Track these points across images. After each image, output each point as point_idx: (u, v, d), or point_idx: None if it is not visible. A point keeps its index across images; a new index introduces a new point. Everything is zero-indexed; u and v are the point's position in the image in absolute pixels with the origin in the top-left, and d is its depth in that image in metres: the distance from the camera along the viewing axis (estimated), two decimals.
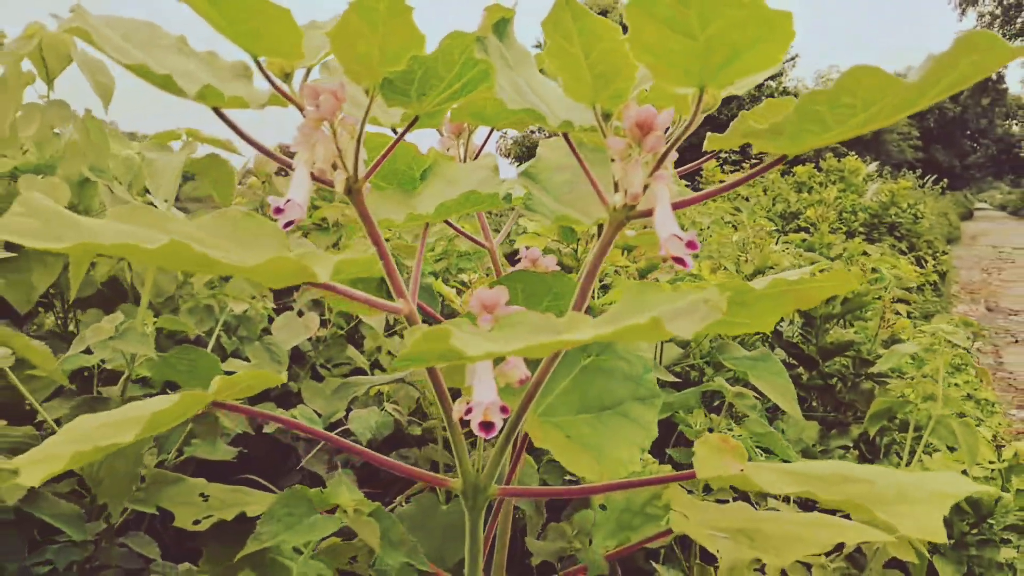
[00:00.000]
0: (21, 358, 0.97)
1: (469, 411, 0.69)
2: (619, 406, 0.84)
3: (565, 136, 0.68)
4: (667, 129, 0.62)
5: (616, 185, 0.64)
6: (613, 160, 0.63)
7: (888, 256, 5.09)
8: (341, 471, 1.45)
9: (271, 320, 1.67)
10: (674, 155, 0.63)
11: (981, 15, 41.13)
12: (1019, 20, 39.96)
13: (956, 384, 3.86)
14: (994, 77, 45.24)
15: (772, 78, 32.84)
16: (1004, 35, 41.36)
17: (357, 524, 0.74)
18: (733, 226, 4.26)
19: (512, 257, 1.40)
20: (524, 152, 28.92)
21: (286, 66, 0.64)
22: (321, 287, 0.75)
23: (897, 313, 2.56)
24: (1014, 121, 49.92)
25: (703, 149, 0.75)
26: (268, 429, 1.56)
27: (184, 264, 0.56)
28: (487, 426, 0.68)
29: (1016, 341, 7.70)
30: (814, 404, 2.33)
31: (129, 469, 0.91)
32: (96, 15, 0.67)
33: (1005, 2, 40.87)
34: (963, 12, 41.59)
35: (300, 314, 1.68)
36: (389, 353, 1.99)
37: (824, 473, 0.65)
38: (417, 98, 0.64)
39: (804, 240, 3.95)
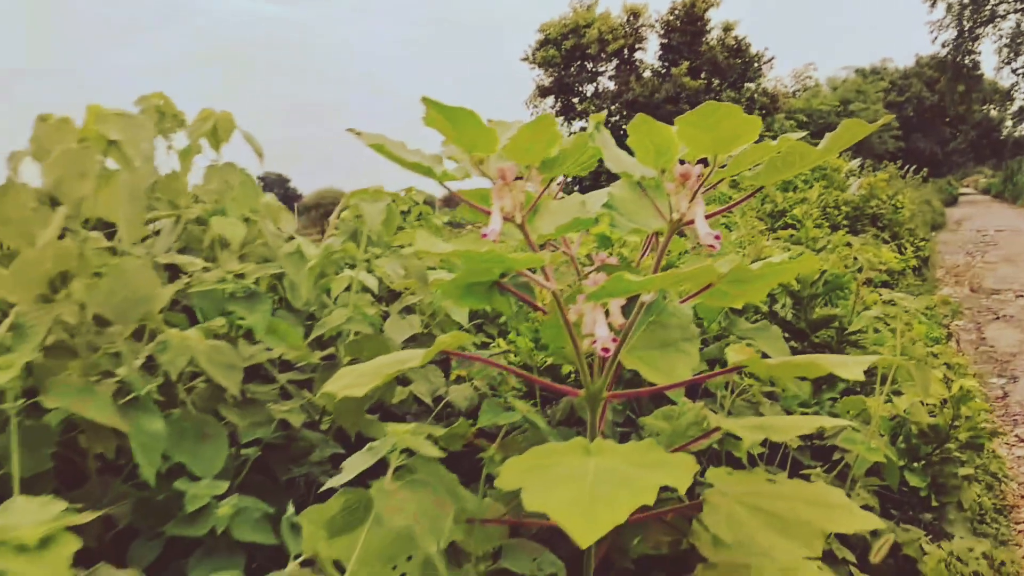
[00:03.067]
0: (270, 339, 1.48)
1: (593, 343, 1.20)
2: (674, 344, 1.34)
3: (639, 184, 1.19)
4: (698, 175, 1.13)
5: (671, 208, 1.16)
6: (669, 194, 1.14)
7: (869, 245, 5.62)
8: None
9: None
10: (699, 187, 1.15)
11: (950, 6, 41.98)
12: (987, 8, 40.73)
13: (935, 354, 4.35)
14: (969, 64, 46.03)
15: (752, 81, 33.62)
16: (974, 22, 42.09)
17: (532, 415, 1.24)
18: (727, 227, 4.79)
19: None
20: None
21: (482, 156, 1.15)
22: (501, 285, 1.27)
23: (873, 291, 3.08)
24: (991, 105, 50.74)
25: (712, 180, 1.27)
26: None
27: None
28: (606, 351, 1.19)
29: (997, 318, 8.24)
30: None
31: (361, 405, 1.41)
32: (364, 132, 1.19)
33: None
34: (933, 5, 42.42)
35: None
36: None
37: (802, 358, 1.16)
38: (556, 168, 1.15)
39: (792, 235, 4.48)
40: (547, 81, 34.10)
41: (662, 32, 32.80)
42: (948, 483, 2.23)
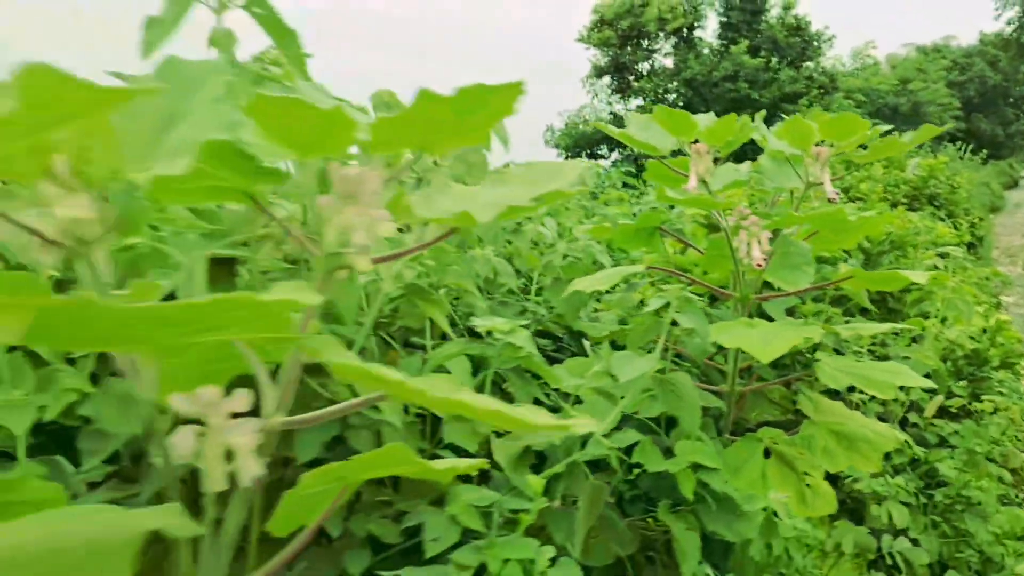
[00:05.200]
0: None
1: (749, 262, 1.90)
2: (798, 266, 2.02)
3: (788, 160, 1.88)
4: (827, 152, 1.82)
5: (807, 173, 1.84)
6: (807, 165, 1.83)
7: (926, 219, 6.17)
8: None
9: None
10: (828, 161, 1.83)
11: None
12: None
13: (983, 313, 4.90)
14: None
15: (811, 60, 33.57)
16: None
17: (707, 309, 1.94)
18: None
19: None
20: (571, 143, 30.72)
21: (685, 140, 1.84)
22: (662, 230, 1.97)
23: (925, 250, 3.71)
24: None
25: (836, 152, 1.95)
26: None
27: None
28: (759, 266, 1.88)
29: None
30: (874, 311, 3.48)
31: (578, 306, 2.12)
32: (594, 118, 1.89)
33: None
34: None
35: None
36: None
37: (887, 271, 1.84)
38: (730, 148, 1.85)
39: (859, 208, 5.10)
40: (603, 61, 34.48)
41: (721, 10, 32.92)
42: (984, 394, 2.87)
